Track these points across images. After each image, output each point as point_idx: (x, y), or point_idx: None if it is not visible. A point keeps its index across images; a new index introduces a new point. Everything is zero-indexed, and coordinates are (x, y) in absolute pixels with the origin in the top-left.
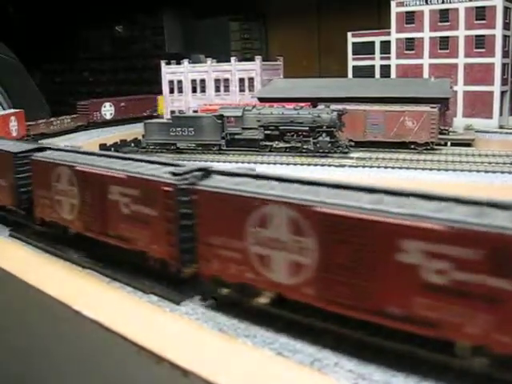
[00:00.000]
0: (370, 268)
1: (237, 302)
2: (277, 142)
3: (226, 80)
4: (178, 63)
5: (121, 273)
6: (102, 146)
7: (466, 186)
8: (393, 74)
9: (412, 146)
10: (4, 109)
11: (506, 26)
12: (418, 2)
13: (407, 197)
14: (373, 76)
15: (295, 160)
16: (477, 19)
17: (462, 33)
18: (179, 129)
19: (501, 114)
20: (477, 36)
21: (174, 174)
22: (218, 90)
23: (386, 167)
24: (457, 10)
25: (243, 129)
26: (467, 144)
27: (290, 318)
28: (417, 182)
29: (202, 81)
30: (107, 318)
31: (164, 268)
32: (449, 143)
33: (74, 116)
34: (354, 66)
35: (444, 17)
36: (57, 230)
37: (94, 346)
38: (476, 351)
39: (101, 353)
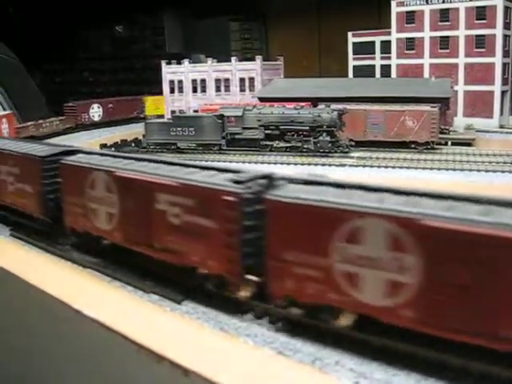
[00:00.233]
0: (492, 289)
1: (312, 325)
2: (277, 142)
3: (227, 80)
4: (179, 63)
5: (121, 272)
6: (103, 146)
7: (466, 186)
8: (393, 74)
9: (412, 146)
10: (4, 109)
11: (506, 26)
12: (418, 2)
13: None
14: (373, 76)
15: (295, 160)
16: (477, 19)
17: (462, 32)
18: (180, 129)
19: (501, 114)
20: (477, 36)
21: (237, 182)
22: (218, 89)
23: (386, 167)
24: (457, 9)
25: (244, 128)
26: (468, 143)
27: (381, 343)
28: (417, 181)
29: (203, 81)
30: (108, 318)
31: (219, 288)
32: (449, 143)
33: (62, 118)
34: (354, 66)
35: (444, 16)
36: (88, 241)
37: (94, 345)
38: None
39: (101, 352)
